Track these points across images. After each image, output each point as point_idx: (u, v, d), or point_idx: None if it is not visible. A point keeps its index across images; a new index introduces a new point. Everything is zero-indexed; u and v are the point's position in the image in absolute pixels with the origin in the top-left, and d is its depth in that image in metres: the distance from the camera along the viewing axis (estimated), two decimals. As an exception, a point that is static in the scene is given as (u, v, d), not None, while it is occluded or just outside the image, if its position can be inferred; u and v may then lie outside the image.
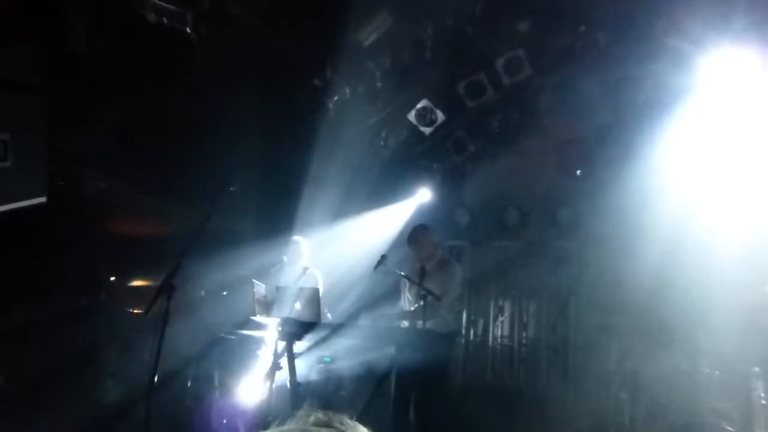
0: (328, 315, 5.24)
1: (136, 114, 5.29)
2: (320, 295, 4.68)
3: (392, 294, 5.28)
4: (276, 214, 6.07)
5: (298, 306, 4.66)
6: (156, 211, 5.97)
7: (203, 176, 5.22)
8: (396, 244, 5.66)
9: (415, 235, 4.95)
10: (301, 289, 4.78)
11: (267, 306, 4.85)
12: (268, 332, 4.86)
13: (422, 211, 6.68)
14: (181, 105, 5.14)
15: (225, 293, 5.66)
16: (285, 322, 4.57)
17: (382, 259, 4.64)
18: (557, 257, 6.67)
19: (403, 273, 4.80)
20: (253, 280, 4.89)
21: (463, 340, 7.06)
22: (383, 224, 6.56)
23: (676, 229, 5.28)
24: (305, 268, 5.35)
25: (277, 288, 4.92)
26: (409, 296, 4.91)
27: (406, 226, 5.82)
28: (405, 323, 4.72)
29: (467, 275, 6.58)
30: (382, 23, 5.32)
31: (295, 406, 3.56)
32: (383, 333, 4.60)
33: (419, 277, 4.79)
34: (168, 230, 5.88)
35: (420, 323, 4.55)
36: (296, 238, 5.51)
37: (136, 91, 5.07)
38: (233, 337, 5.26)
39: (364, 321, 5.03)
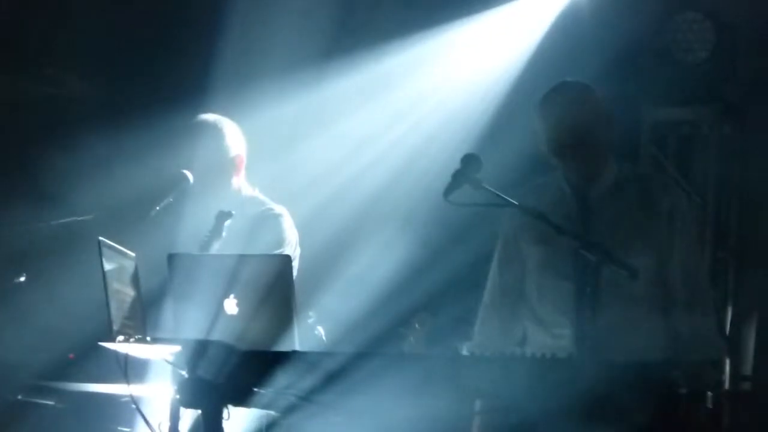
0: (319, 329, 4.61)
1: None
2: (294, 270, 3.94)
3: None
4: (154, 54, 5.89)
5: (233, 305, 3.82)
6: None
7: None
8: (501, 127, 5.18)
9: (562, 105, 4.16)
10: (242, 259, 3.93)
11: (141, 309, 3.99)
12: (150, 386, 4.18)
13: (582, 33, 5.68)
14: None
15: (23, 279, 5.01)
16: (195, 352, 3.62)
17: (466, 169, 3.80)
18: None
19: (520, 204, 3.90)
20: (102, 240, 3.96)
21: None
22: (456, 75, 5.79)
23: None
24: (240, 198, 4.66)
25: (171, 258, 3.95)
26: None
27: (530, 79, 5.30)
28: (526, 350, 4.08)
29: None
30: None
31: None
32: (480, 373, 3.65)
33: (578, 219, 4.06)
34: None
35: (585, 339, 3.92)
36: (209, 119, 4.75)
37: None
38: (51, 402, 4.85)
39: (418, 341, 4.40)
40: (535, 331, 3.99)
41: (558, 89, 4.14)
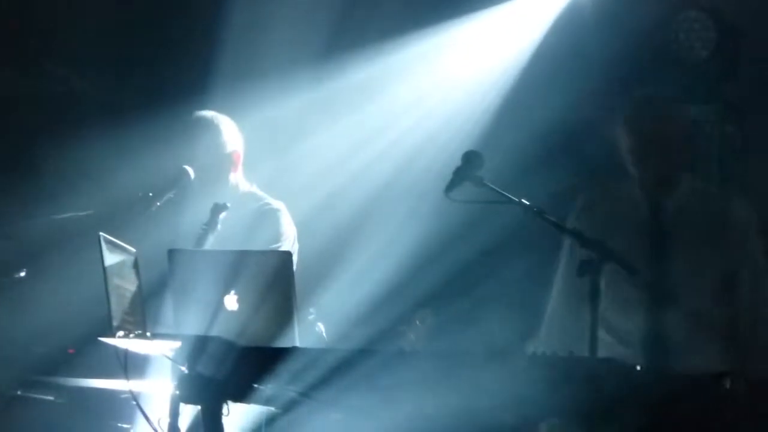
0: (320, 326, 4.63)
1: None
2: (294, 266, 3.87)
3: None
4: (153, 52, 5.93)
5: (233, 301, 3.83)
6: None
7: None
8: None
9: (650, 120, 4.16)
10: (242, 255, 3.94)
11: (141, 305, 3.97)
12: (150, 382, 4.16)
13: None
14: None
15: (23, 274, 4.96)
16: (195, 348, 3.67)
17: (467, 166, 3.75)
18: None
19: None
20: (103, 236, 3.95)
21: None
22: (456, 74, 5.72)
23: None
24: (238, 194, 4.66)
25: (171, 254, 3.95)
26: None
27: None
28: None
29: None
30: None
31: None
32: (523, 377, 3.45)
33: (650, 228, 4.08)
34: None
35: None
36: (206, 116, 4.78)
37: None
38: (50, 397, 4.82)
39: (418, 338, 4.49)
40: (603, 335, 3.95)
41: (646, 103, 4.14)
